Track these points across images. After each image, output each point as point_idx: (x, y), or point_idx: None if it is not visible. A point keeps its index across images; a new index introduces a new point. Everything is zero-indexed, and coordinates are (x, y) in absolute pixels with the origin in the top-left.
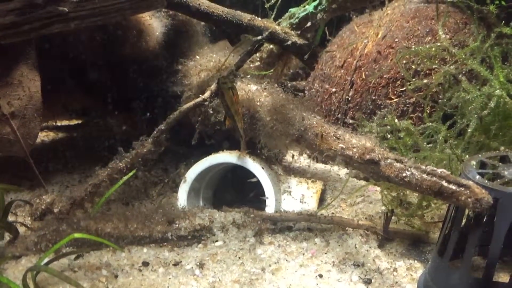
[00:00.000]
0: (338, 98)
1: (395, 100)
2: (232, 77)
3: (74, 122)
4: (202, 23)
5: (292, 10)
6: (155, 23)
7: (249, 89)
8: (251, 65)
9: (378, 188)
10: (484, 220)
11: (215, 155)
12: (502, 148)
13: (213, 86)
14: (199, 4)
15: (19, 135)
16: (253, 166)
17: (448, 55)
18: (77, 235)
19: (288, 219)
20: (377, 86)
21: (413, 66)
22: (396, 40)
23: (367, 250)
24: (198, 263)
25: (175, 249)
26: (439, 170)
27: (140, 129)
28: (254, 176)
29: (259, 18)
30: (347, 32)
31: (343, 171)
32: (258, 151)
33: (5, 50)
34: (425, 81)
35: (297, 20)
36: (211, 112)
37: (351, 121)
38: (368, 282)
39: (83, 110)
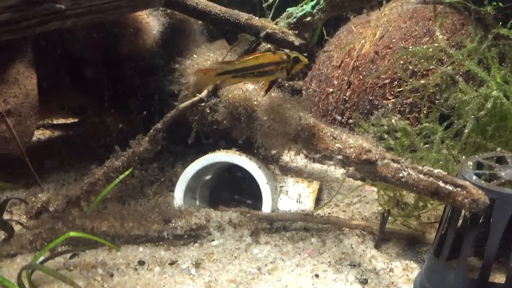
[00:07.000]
0: (335, 98)
1: (392, 100)
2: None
3: (70, 120)
4: (200, 22)
5: (289, 9)
6: (152, 22)
7: (246, 88)
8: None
9: (375, 189)
10: (480, 221)
11: (212, 155)
12: (498, 149)
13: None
14: (196, 2)
15: (15, 133)
16: (250, 165)
17: (445, 56)
18: (72, 233)
19: (284, 218)
20: (374, 87)
21: (410, 67)
22: (394, 40)
23: (363, 250)
24: (194, 263)
25: (171, 248)
26: (435, 171)
27: (137, 128)
28: (251, 175)
29: (257, 18)
30: (344, 32)
31: (339, 171)
32: (255, 151)
33: (1, 47)
34: (422, 81)
35: (294, 19)
36: (208, 111)
37: (350, 120)
38: (364, 282)
39: (79, 108)
